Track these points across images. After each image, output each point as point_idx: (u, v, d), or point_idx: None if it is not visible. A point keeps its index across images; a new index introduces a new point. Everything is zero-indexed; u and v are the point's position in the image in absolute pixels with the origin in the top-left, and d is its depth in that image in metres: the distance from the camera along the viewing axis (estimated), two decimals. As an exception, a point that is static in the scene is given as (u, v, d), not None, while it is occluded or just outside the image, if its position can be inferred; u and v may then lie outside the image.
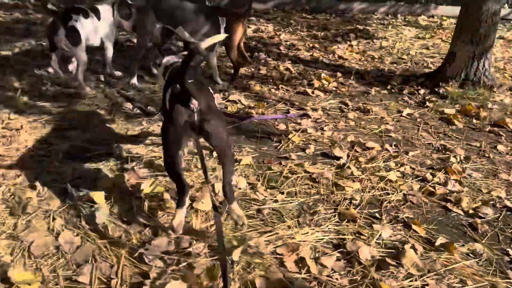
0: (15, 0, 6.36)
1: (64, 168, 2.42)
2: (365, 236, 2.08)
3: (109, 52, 3.66)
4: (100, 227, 1.98)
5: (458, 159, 2.92)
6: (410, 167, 2.77)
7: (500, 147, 3.14)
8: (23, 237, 1.88)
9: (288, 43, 5.47)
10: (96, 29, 3.43)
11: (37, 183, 2.25)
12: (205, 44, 1.93)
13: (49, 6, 4.00)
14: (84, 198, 2.14)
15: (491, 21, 3.92)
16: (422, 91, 4.12)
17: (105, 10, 3.51)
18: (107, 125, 2.99)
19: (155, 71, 3.88)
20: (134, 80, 3.67)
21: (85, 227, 1.97)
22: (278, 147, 2.89)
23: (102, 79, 3.75)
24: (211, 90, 2.12)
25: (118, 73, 3.80)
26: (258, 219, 2.15)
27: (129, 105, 3.28)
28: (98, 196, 2.13)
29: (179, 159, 1.95)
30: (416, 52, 5.55)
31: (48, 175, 2.36)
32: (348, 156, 2.83)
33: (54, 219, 2.00)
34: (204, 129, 1.82)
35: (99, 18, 3.45)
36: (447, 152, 3.01)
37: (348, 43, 5.67)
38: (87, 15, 3.35)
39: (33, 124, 2.90)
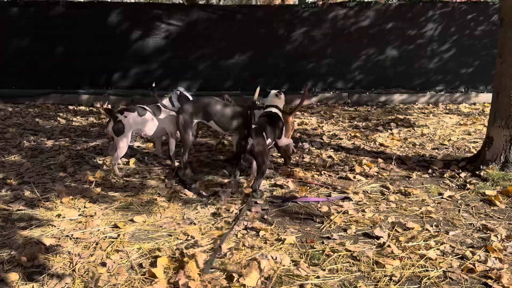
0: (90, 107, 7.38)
1: (131, 247, 2.76)
2: (404, 309, 2.18)
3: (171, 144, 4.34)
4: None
5: (500, 238, 2.97)
6: (450, 245, 2.86)
7: (545, 226, 3.15)
8: (96, 306, 2.18)
9: (330, 133, 5.85)
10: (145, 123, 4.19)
11: (107, 261, 2.60)
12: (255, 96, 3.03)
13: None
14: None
15: (524, 106, 4.11)
16: (463, 174, 4.24)
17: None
18: (167, 210, 3.37)
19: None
20: (188, 171, 4.13)
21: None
22: (321, 228, 3.10)
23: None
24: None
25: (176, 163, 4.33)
26: (301, 293, 2.33)
27: (188, 193, 3.68)
28: (158, 271, 2.43)
29: None
30: (457, 138, 5.71)
31: (117, 254, 2.71)
32: (388, 235, 2.98)
33: (121, 290, 2.30)
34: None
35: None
36: (488, 232, 3.07)
37: (389, 131, 5.96)
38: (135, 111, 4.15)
39: (105, 211, 3.34)
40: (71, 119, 6.54)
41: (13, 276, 2.44)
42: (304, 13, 7.92)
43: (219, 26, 7.87)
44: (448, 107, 7.78)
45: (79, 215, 3.27)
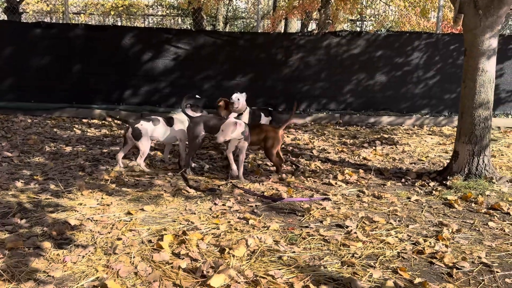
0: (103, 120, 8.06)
1: (142, 228, 3.36)
2: (359, 275, 2.76)
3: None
4: (166, 260, 2.84)
5: (451, 231, 3.55)
6: (407, 235, 3.44)
7: (491, 224, 3.72)
8: (113, 265, 2.77)
9: (320, 148, 6.48)
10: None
11: (123, 237, 3.20)
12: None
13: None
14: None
15: (484, 124, 4.74)
16: (432, 184, 4.83)
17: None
18: (172, 203, 3.97)
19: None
20: (189, 171, 4.85)
21: (156, 260, 2.83)
22: (301, 220, 3.69)
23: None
24: None
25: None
26: (279, 263, 2.91)
27: (190, 190, 4.29)
28: (164, 244, 3.03)
29: None
30: (435, 155, 6.31)
31: (130, 233, 3.31)
32: (356, 226, 3.57)
33: (134, 257, 2.89)
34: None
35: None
36: (442, 226, 3.65)
37: (373, 148, 6.58)
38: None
39: (119, 202, 3.94)
40: (85, 130, 7.20)
41: (46, 244, 3.02)
42: (300, 40, 8.67)
43: (223, 50, 8.62)
44: (431, 129, 8.41)
45: (98, 204, 3.87)
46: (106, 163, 5.16)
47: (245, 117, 5.67)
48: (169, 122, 5.01)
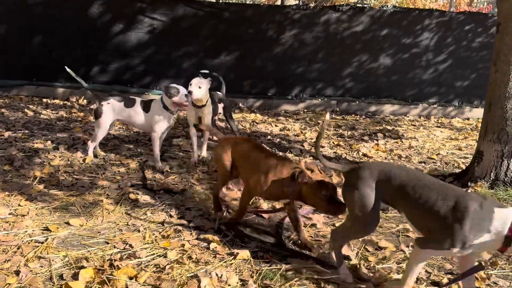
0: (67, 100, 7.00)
1: (56, 254, 2.37)
2: None
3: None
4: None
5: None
6: (426, 271, 2.49)
7: (535, 253, 2.78)
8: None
9: (312, 140, 5.49)
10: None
11: (23, 269, 2.21)
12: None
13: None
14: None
15: (518, 119, 3.76)
16: (449, 191, 3.87)
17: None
18: (111, 214, 2.98)
19: None
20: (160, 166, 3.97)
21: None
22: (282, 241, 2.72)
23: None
24: None
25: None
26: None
27: (140, 194, 3.30)
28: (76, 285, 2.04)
29: None
30: (447, 153, 5.35)
31: (38, 261, 2.32)
32: (357, 254, 2.60)
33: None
34: None
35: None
36: (472, 257, 2.69)
37: (375, 142, 5.61)
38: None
39: (40, 211, 2.95)
40: (40, 112, 6.15)
41: None
42: (295, 14, 7.58)
43: (205, 23, 7.51)
44: (440, 121, 7.44)
45: (10, 213, 2.88)
46: (46, 153, 4.14)
47: (207, 110, 4.08)
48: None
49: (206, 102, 4.02)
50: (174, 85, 3.88)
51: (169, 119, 3.96)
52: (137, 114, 3.96)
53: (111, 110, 3.98)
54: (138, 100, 4.04)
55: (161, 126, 3.94)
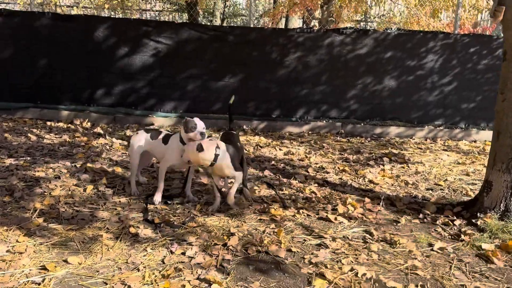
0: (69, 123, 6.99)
1: (50, 299, 2.30)
2: None
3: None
4: None
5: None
6: (437, 315, 2.38)
7: (550, 294, 2.67)
8: None
9: (317, 165, 5.41)
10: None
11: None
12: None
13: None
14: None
15: (528, 149, 3.68)
16: (457, 222, 3.78)
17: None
18: (111, 250, 2.91)
19: None
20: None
21: None
22: (289, 283, 2.63)
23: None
24: None
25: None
26: None
27: (142, 228, 3.22)
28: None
29: None
30: (454, 179, 5.25)
31: (33, 305, 2.25)
32: (363, 297, 2.51)
33: None
34: None
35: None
36: (484, 298, 2.59)
37: (381, 167, 5.52)
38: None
39: (38, 247, 2.88)
40: (43, 136, 6.13)
41: None
42: (299, 37, 7.57)
43: (210, 46, 7.51)
44: (446, 143, 7.34)
45: (7, 251, 2.81)
46: (47, 183, 4.09)
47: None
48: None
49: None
50: (193, 119, 3.70)
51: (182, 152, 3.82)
52: (158, 147, 3.89)
53: (139, 141, 3.94)
54: (163, 133, 3.95)
55: (171, 157, 3.80)
